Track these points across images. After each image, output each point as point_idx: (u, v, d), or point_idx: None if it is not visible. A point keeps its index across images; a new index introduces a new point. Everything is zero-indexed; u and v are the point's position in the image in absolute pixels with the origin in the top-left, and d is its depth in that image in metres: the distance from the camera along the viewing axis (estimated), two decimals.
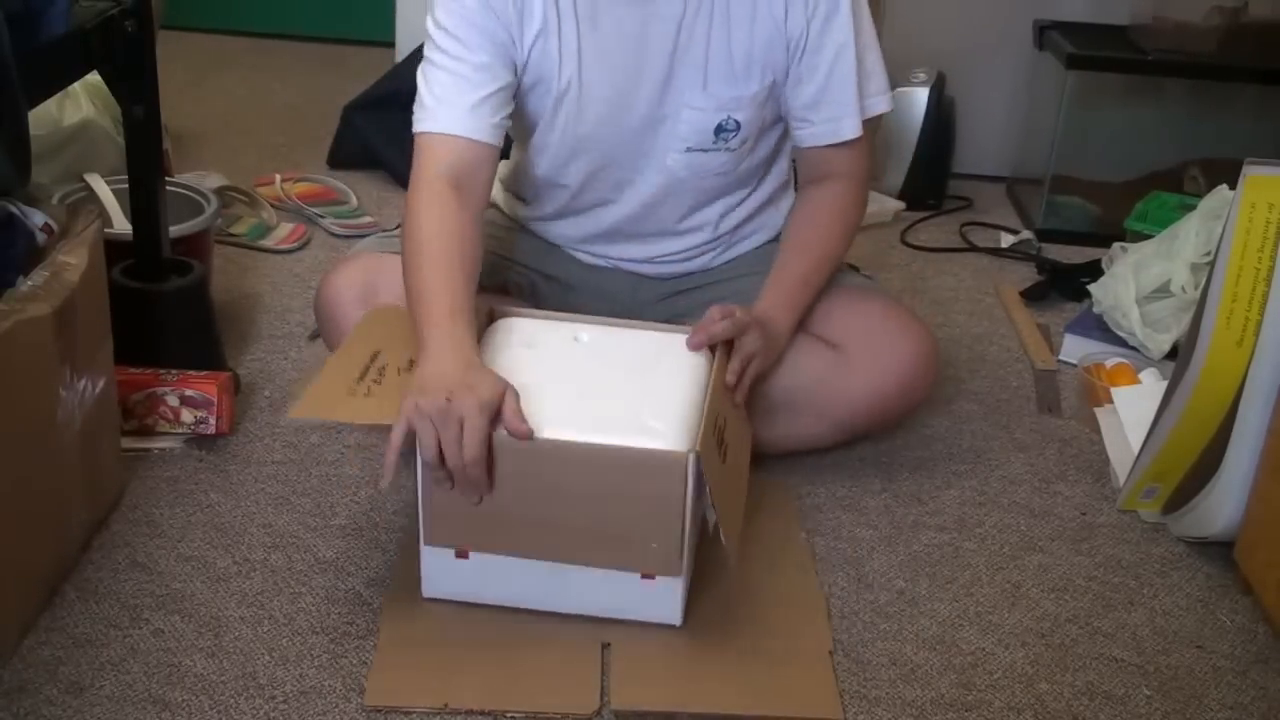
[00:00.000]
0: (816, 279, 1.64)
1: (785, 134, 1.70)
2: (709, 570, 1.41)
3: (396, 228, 1.87)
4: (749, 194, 1.72)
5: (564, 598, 1.38)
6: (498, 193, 1.84)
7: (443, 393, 1.28)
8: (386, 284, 1.54)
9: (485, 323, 1.49)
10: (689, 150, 1.61)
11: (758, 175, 1.71)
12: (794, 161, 1.76)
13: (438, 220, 1.46)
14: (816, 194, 1.67)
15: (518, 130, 1.66)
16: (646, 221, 1.69)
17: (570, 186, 1.66)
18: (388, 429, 1.31)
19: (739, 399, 1.49)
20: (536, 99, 1.59)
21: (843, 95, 1.60)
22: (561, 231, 1.73)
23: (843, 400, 1.62)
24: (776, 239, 1.74)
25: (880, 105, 1.66)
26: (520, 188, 1.75)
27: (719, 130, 1.59)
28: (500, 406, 1.29)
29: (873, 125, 1.69)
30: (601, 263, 1.74)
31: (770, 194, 1.74)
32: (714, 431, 1.35)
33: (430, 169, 1.49)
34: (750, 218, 1.74)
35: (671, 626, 1.39)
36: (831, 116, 1.61)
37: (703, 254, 1.74)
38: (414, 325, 1.40)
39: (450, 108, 1.50)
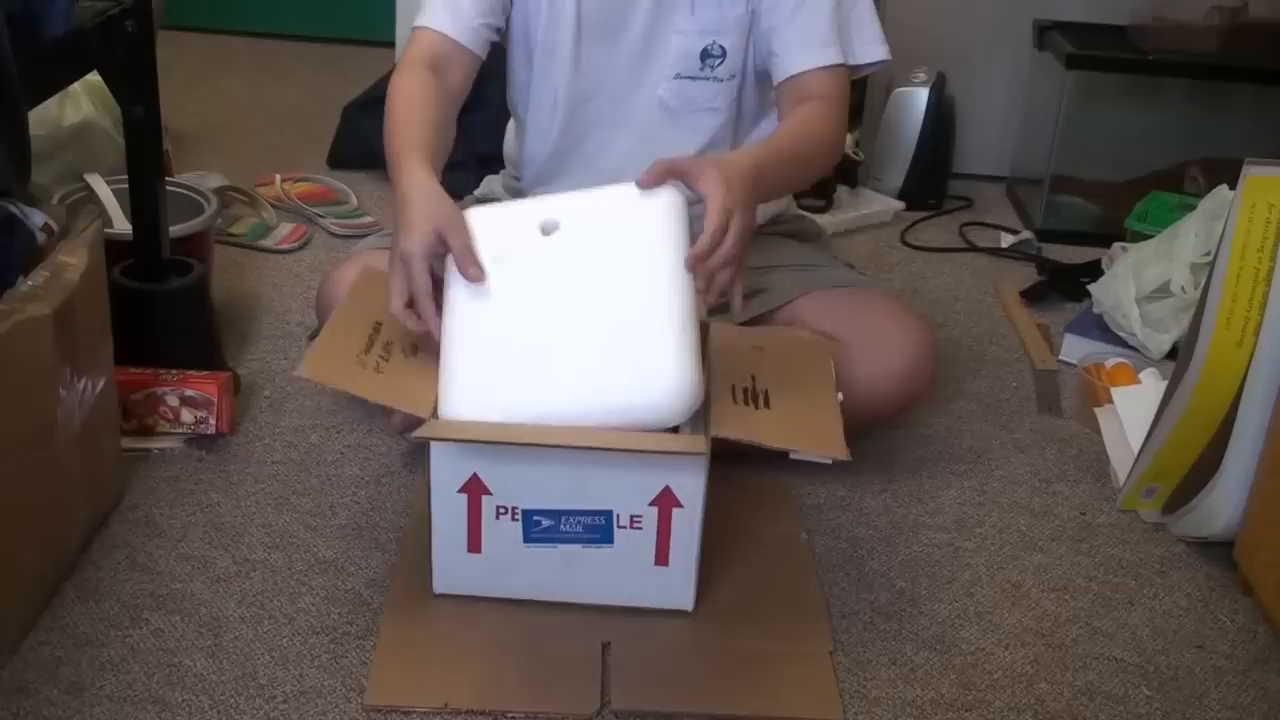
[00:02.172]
0: (782, 155, 1.56)
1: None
2: (709, 571, 1.41)
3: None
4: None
5: (575, 587, 1.38)
6: (496, 186, 1.86)
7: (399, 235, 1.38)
8: None
9: None
10: (678, 77, 1.66)
11: (747, 127, 1.74)
12: None
13: (417, 86, 1.56)
14: (792, 112, 1.64)
15: (515, 67, 1.72)
16: (639, 163, 1.70)
17: (566, 126, 1.70)
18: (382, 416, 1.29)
19: (717, 264, 1.35)
20: (531, 23, 1.65)
21: (817, 24, 1.63)
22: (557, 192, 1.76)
23: (843, 394, 1.62)
24: (770, 220, 1.79)
25: (876, 53, 1.69)
26: (518, 154, 1.79)
27: (705, 55, 1.64)
28: (445, 242, 1.36)
29: (867, 72, 1.72)
30: None
31: None
32: (732, 397, 1.36)
33: (412, 55, 1.60)
34: None
35: (680, 615, 1.39)
36: (804, 46, 1.63)
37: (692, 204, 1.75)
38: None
39: (442, 8, 1.60)
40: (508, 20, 1.67)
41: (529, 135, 1.75)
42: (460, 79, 1.61)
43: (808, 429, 1.35)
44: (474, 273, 1.35)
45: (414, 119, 1.51)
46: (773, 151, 1.55)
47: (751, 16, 1.65)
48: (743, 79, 1.68)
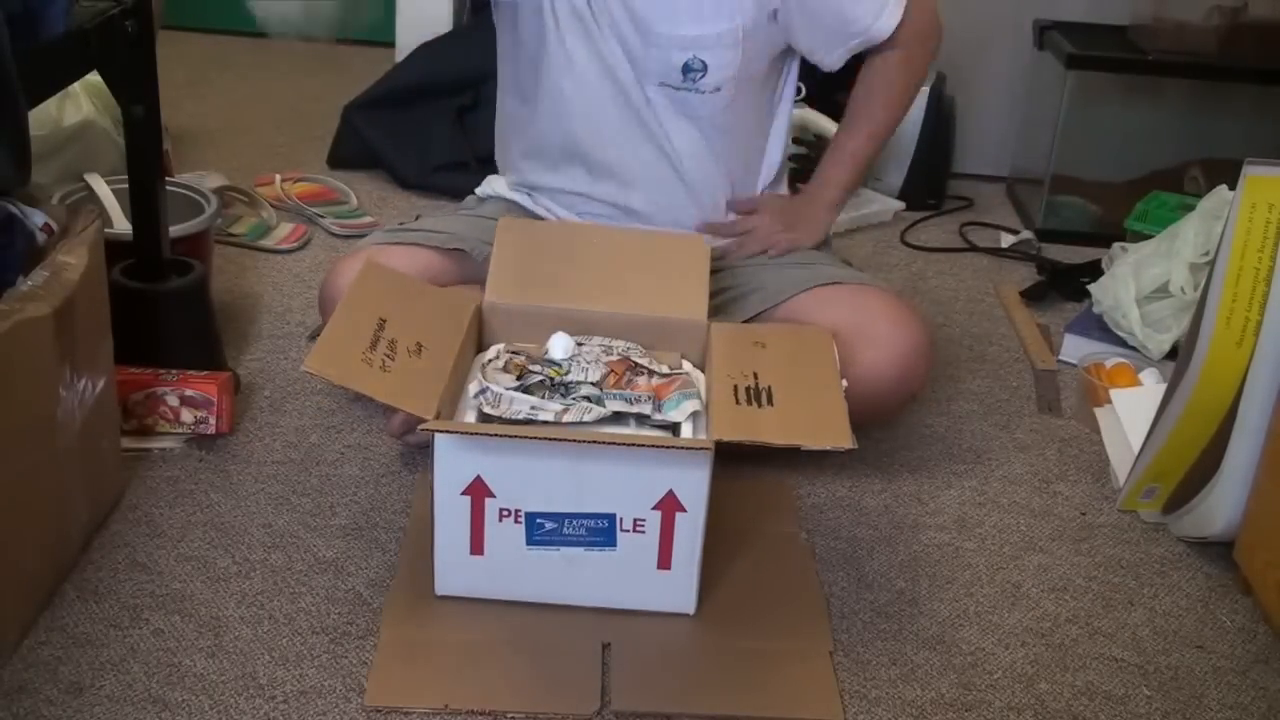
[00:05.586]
0: (864, 151, 1.80)
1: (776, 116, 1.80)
2: (709, 571, 1.41)
3: (400, 224, 1.87)
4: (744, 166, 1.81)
5: (577, 590, 1.38)
6: (502, 188, 1.86)
7: None
8: None
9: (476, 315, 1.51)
10: (663, 85, 1.68)
11: (749, 147, 1.79)
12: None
13: None
14: (868, 65, 1.77)
15: (518, 59, 1.76)
16: (640, 151, 1.75)
17: (575, 130, 1.74)
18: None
19: (751, 249, 1.74)
20: (531, 17, 1.69)
21: (863, 9, 1.69)
22: (573, 188, 1.79)
23: (845, 382, 1.63)
24: None
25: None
26: (528, 157, 1.81)
27: (686, 70, 1.67)
28: None
29: None
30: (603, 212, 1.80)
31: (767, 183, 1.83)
32: (734, 398, 1.36)
33: None
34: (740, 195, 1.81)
35: (680, 616, 1.39)
36: (860, 31, 1.70)
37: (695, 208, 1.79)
38: None
39: None
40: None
41: (547, 141, 1.77)
42: None
43: (811, 422, 1.35)
44: None
45: None
46: (849, 159, 1.80)
47: (741, 31, 1.65)
48: (733, 95, 1.69)
